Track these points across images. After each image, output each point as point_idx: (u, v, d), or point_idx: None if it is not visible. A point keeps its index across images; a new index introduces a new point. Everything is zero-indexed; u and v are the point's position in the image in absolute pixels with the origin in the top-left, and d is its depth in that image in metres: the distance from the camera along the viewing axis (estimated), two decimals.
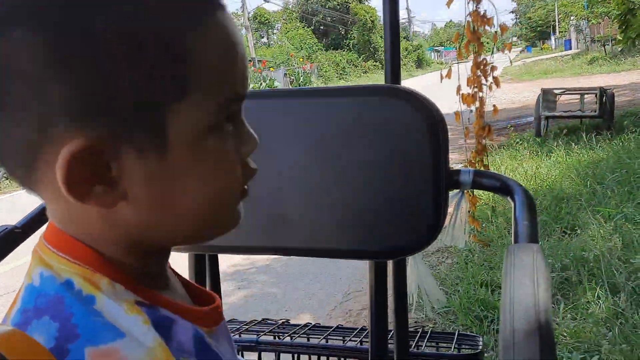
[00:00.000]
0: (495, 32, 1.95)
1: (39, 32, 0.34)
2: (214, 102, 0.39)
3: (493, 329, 2.15)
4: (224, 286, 3.12)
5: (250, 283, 3.09)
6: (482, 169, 1.95)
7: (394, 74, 0.88)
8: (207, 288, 1.03)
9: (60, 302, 0.37)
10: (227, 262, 3.34)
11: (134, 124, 0.36)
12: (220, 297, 1.05)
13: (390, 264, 0.92)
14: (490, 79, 1.90)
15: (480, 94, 1.89)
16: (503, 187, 0.78)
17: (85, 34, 0.34)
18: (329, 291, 2.89)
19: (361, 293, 2.81)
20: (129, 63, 0.35)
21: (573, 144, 5.34)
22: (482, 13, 1.77)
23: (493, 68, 1.91)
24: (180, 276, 0.51)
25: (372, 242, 0.82)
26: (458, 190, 0.84)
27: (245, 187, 0.46)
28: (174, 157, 0.38)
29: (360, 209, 0.81)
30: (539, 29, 52.24)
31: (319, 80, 23.34)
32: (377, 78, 27.09)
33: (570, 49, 34.51)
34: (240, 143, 0.43)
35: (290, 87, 20.33)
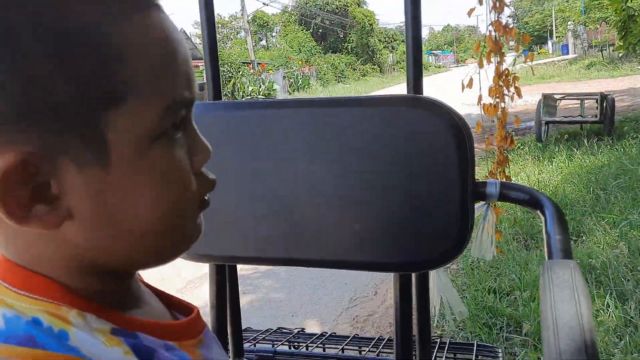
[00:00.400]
0: (518, 42, 1.95)
1: None
2: (156, 107, 0.36)
3: (502, 337, 2.14)
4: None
5: (256, 288, 3.08)
6: (504, 179, 1.95)
7: (416, 84, 0.88)
8: (227, 298, 1.02)
9: (32, 341, 0.33)
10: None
11: (70, 134, 0.33)
12: (239, 306, 1.05)
13: (413, 275, 0.91)
14: (512, 89, 1.90)
15: (502, 104, 1.88)
16: (532, 200, 0.77)
17: (3, 36, 0.31)
18: (335, 297, 2.88)
19: (367, 299, 2.81)
20: (57, 67, 0.32)
21: (575, 149, 5.35)
22: (504, 23, 1.77)
23: (515, 78, 1.91)
24: (152, 287, 0.48)
25: (397, 255, 0.82)
26: (484, 202, 0.83)
27: (206, 197, 0.43)
28: (118, 169, 0.35)
29: (384, 221, 0.81)
30: (536, 33, 52.40)
31: (317, 83, 23.37)
32: (376, 81, 27.13)
33: (568, 53, 34.66)
34: (192, 152, 0.40)
35: (288, 89, 20.34)
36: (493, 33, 1.77)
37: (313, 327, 2.52)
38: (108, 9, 0.34)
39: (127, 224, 0.37)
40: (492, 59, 1.82)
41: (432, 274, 0.98)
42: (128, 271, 0.42)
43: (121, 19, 0.34)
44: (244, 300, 2.96)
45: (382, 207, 0.81)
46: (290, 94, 20.17)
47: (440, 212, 0.78)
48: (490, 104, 1.91)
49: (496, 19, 1.74)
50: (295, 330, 1.34)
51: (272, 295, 2.97)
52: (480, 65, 1.90)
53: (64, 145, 0.33)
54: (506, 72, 1.85)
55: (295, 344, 1.29)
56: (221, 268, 1.00)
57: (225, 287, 1.01)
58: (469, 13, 1.85)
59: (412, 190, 0.79)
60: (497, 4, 1.71)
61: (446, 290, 0.96)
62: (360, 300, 2.80)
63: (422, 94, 0.87)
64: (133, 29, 0.35)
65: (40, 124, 0.32)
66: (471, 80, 1.93)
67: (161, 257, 0.41)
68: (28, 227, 0.34)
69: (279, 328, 1.35)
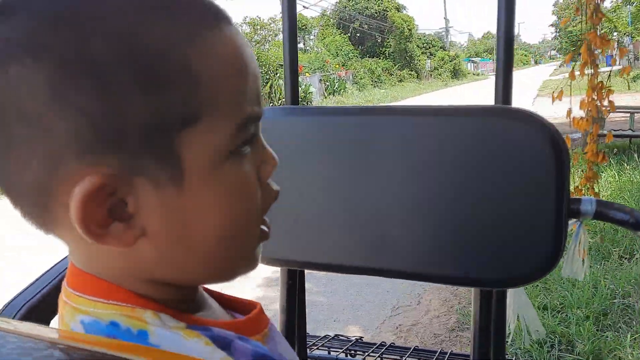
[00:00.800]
0: (614, 55, 1.90)
1: (37, 66, 0.31)
2: (229, 124, 0.36)
3: (554, 355, 2.08)
4: (269, 292, 3.12)
5: None
6: (592, 196, 1.89)
7: (506, 94, 0.85)
8: (297, 301, 1.02)
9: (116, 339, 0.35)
10: (271, 267, 3.32)
11: (146, 155, 0.34)
12: (305, 310, 1.05)
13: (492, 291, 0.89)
14: (605, 102, 1.84)
15: (594, 118, 1.83)
16: (633, 221, 0.74)
17: (87, 62, 0.32)
18: (377, 304, 2.85)
19: (410, 308, 2.77)
20: (138, 92, 0.32)
21: (624, 163, 5.19)
22: (600, 34, 1.71)
23: (609, 92, 1.85)
24: (209, 290, 0.48)
25: (482, 270, 0.79)
26: (575, 219, 0.80)
27: (266, 229, 0.43)
28: (192, 187, 0.35)
29: (470, 234, 0.78)
30: (579, 43, 51.20)
31: (354, 87, 23.33)
32: (413, 87, 26.93)
33: (612, 64, 33.73)
34: (259, 164, 0.40)
35: (324, 92, 20.37)
36: (588, 44, 1.70)
37: (355, 334, 2.50)
38: (182, 28, 0.34)
39: (196, 241, 0.37)
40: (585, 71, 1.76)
41: (510, 291, 0.95)
42: (192, 285, 0.43)
43: (194, 37, 0.34)
44: None
45: (467, 220, 0.78)
46: (325, 97, 20.20)
47: (531, 228, 0.75)
48: (582, 117, 1.85)
49: (592, 29, 1.68)
50: (353, 339, 1.32)
51: (313, 298, 2.96)
52: (572, 78, 1.85)
53: (140, 165, 0.34)
54: (600, 85, 1.79)
55: (353, 352, 1.28)
56: (293, 273, 1.00)
57: (295, 291, 1.01)
58: (563, 23, 1.80)
59: (502, 204, 0.76)
60: (594, 15, 1.66)
61: (524, 308, 0.93)
62: (403, 309, 2.77)
63: (511, 104, 0.85)
64: (206, 47, 0.35)
65: (119, 147, 0.33)
66: (561, 92, 1.88)
67: (222, 276, 0.41)
68: (104, 245, 0.34)
69: (336, 335, 1.34)
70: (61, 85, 0.31)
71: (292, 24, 0.95)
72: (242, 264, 0.42)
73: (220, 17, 0.37)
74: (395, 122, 0.83)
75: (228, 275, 0.41)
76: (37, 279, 0.74)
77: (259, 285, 3.11)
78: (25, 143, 0.32)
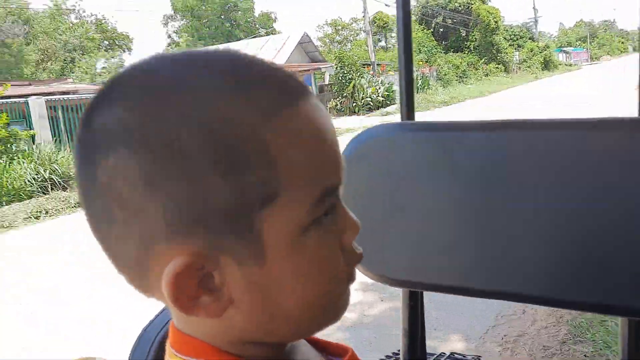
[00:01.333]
0: None
1: (131, 155, 0.34)
2: (307, 199, 0.37)
3: None
4: (366, 296, 3.11)
5: (392, 295, 3.04)
6: None
7: None
8: (419, 323, 0.99)
9: None
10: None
11: (228, 234, 0.35)
12: (425, 331, 1.02)
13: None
14: None
15: None
16: None
17: (173, 151, 0.34)
18: (478, 312, 2.75)
19: (514, 317, 2.65)
20: (220, 175, 0.34)
21: None
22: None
23: None
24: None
25: (632, 297, 0.73)
26: None
27: (353, 273, 0.43)
28: (273, 262, 0.37)
29: (622, 259, 0.72)
30: None
31: (437, 84, 22.84)
32: (500, 80, 25.95)
33: None
34: (341, 232, 0.41)
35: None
36: None
37: (457, 345, 2.43)
38: (259, 109, 0.35)
39: (281, 309, 0.39)
40: None
41: None
42: (281, 342, 0.44)
43: (271, 116, 0.35)
44: (381, 308, 2.93)
45: (616, 244, 0.72)
46: None
47: None
48: None
49: None
50: (470, 357, 1.27)
51: None
52: None
53: (223, 244, 0.35)
54: None
55: None
56: (414, 294, 0.98)
57: (417, 313, 0.99)
58: None
59: None
60: None
61: None
62: (506, 318, 2.65)
63: None
64: (283, 126, 0.36)
65: (203, 228, 0.35)
66: None
67: (311, 331, 0.43)
68: (194, 316, 0.37)
69: (452, 353, 1.30)
70: (151, 173, 0.34)
71: (407, 35, 0.93)
72: (329, 318, 0.42)
73: (297, 92, 0.38)
74: (525, 137, 0.79)
75: (317, 329, 0.42)
76: (163, 309, 0.75)
77: (355, 289, 3.11)
78: (123, 223, 0.36)
